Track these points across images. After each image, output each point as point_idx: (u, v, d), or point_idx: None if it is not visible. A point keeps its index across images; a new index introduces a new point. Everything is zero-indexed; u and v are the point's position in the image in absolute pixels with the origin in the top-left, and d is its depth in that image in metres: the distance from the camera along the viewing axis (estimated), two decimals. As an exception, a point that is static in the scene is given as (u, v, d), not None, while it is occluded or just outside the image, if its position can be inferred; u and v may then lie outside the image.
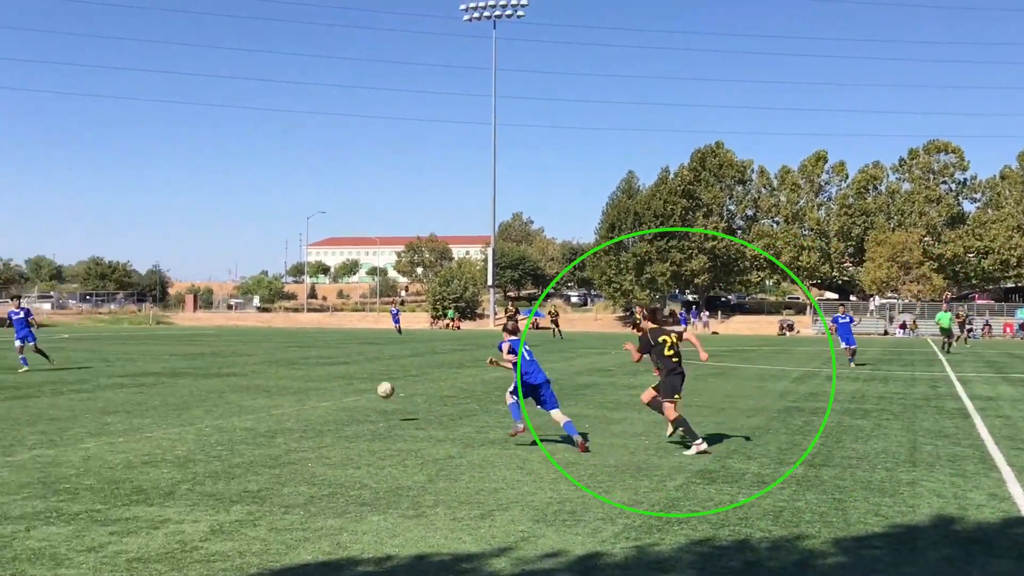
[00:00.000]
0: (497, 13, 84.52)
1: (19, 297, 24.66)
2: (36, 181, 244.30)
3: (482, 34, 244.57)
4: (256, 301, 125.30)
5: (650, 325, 11.74)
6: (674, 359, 11.53)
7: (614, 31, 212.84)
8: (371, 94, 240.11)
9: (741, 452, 11.37)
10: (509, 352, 11.40)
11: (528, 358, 11.46)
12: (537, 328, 60.27)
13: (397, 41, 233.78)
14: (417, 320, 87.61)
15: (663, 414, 11.76)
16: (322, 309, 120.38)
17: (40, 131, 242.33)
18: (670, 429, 12.03)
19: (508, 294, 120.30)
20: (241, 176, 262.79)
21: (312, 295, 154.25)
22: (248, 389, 18.68)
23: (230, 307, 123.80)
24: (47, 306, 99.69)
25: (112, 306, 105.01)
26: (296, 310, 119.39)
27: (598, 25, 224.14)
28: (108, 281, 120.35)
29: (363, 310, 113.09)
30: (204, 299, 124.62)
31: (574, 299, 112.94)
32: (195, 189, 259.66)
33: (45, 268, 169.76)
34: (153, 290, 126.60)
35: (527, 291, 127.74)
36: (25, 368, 22.84)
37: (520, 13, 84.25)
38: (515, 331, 11.68)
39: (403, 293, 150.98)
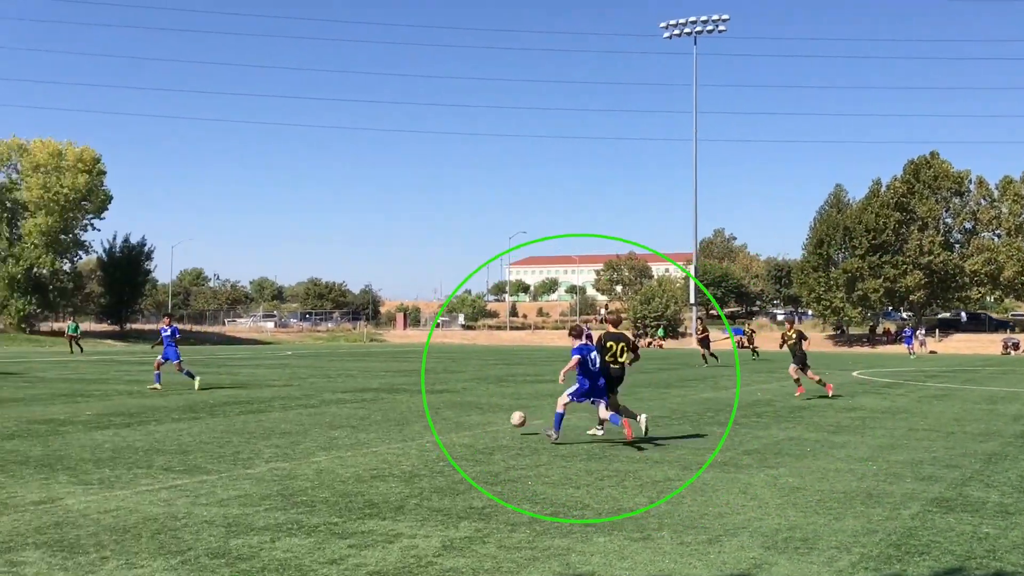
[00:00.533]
0: (698, 29, 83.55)
1: (169, 316, 24.06)
2: (259, 207, 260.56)
3: (681, 50, 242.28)
4: (461, 319, 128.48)
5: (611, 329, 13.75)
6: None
7: (817, 42, 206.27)
8: (569, 115, 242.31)
9: (978, 479, 10.68)
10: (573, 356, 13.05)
11: (594, 368, 12.96)
12: (743, 347, 58.52)
13: (596, 61, 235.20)
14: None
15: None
16: (524, 327, 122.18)
17: (263, 160, 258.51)
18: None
19: (710, 312, 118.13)
20: (445, 199, 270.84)
21: (513, 313, 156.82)
22: (462, 405, 19.05)
23: (437, 325, 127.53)
24: (270, 324, 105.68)
25: (329, 324, 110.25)
26: (499, 328, 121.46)
27: (800, 36, 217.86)
28: (325, 300, 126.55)
29: (563, 328, 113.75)
30: (412, 317, 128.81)
31: (780, 317, 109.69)
32: (402, 212, 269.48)
33: (268, 289, 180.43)
34: (366, 309, 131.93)
35: (729, 309, 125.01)
36: (156, 385, 22.87)
37: (721, 28, 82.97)
38: (579, 335, 13.41)
39: (603, 311, 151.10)
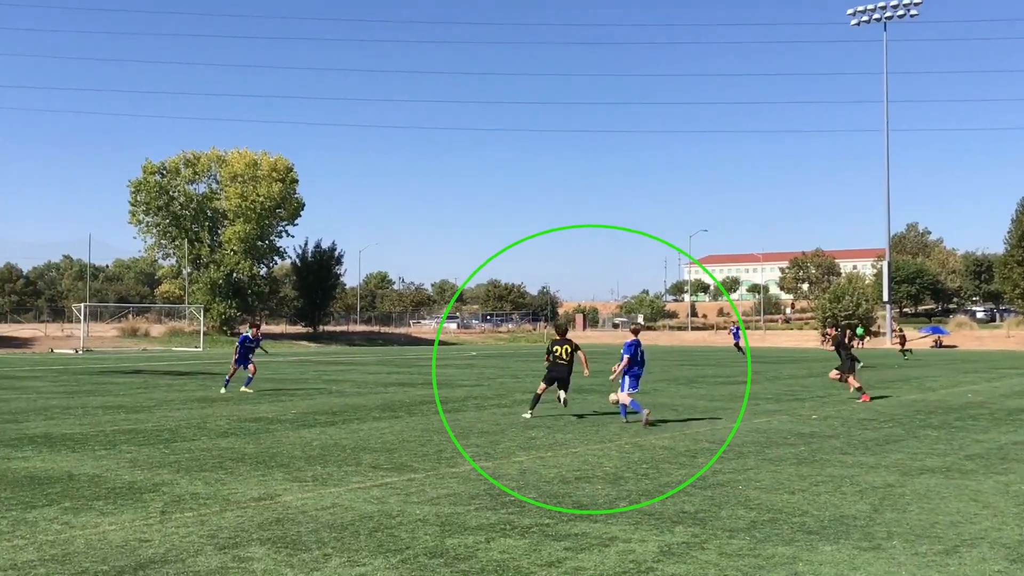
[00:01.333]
0: (888, 14, 79.85)
1: (253, 323, 23.82)
2: (438, 216, 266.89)
3: (870, 37, 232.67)
4: (640, 320, 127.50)
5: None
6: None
7: (1016, 23, 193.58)
8: (749, 108, 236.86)
9: None
10: (624, 353, 16.39)
11: (641, 360, 16.48)
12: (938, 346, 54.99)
13: (778, 52, 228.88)
14: (805, 339, 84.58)
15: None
16: (704, 327, 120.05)
17: (442, 168, 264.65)
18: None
19: (904, 310, 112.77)
20: (623, 201, 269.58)
21: (692, 313, 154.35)
22: (655, 407, 18.75)
23: (615, 325, 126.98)
24: (453, 326, 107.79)
25: (509, 325, 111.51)
26: (679, 328, 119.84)
27: (999, 18, 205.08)
28: (504, 302, 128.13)
29: (748, 328, 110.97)
30: (590, 318, 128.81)
31: (980, 315, 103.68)
32: (578, 212, 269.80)
33: (449, 291, 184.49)
34: (544, 310, 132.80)
35: (925, 307, 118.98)
36: (223, 390, 22.79)
37: (913, 12, 79.01)
38: (636, 332, 17.09)
39: (788, 311, 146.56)
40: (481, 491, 9.59)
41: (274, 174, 77.71)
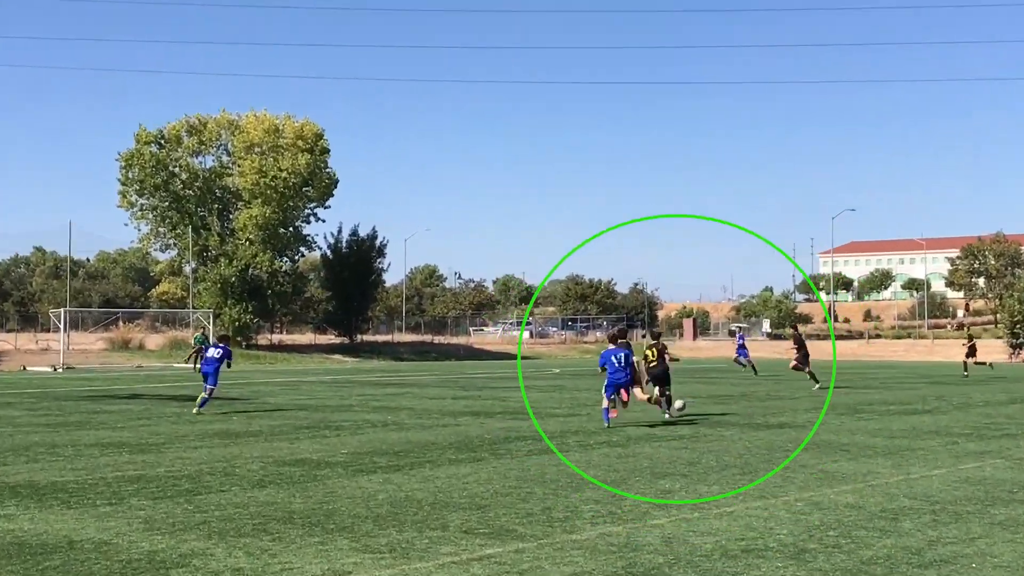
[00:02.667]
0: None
1: (226, 337, 28.04)
2: (501, 198, 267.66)
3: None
4: (765, 326, 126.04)
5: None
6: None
7: None
8: (904, 51, 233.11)
9: None
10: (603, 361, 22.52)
11: (617, 366, 21.95)
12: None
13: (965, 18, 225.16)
14: (986, 350, 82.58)
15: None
16: (850, 335, 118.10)
17: (502, 138, 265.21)
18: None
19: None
20: (744, 173, 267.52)
21: (832, 316, 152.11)
22: (818, 447, 18.05)
23: (732, 333, 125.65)
24: (525, 334, 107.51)
25: (597, 333, 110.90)
26: (817, 336, 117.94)
27: None
28: (588, 303, 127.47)
29: (907, 336, 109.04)
30: (701, 323, 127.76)
31: None
32: (678, 194, 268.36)
33: (514, 289, 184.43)
34: (640, 313, 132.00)
35: None
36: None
37: None
38: (614, 339, 23.00)
39: (961, 313, 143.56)
40: (620, 569, 9.01)
41: (300, 143, 78.24)
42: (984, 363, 52.13)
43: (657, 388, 23.68)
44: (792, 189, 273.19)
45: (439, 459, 16.44)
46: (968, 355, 49.54)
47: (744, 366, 50.50)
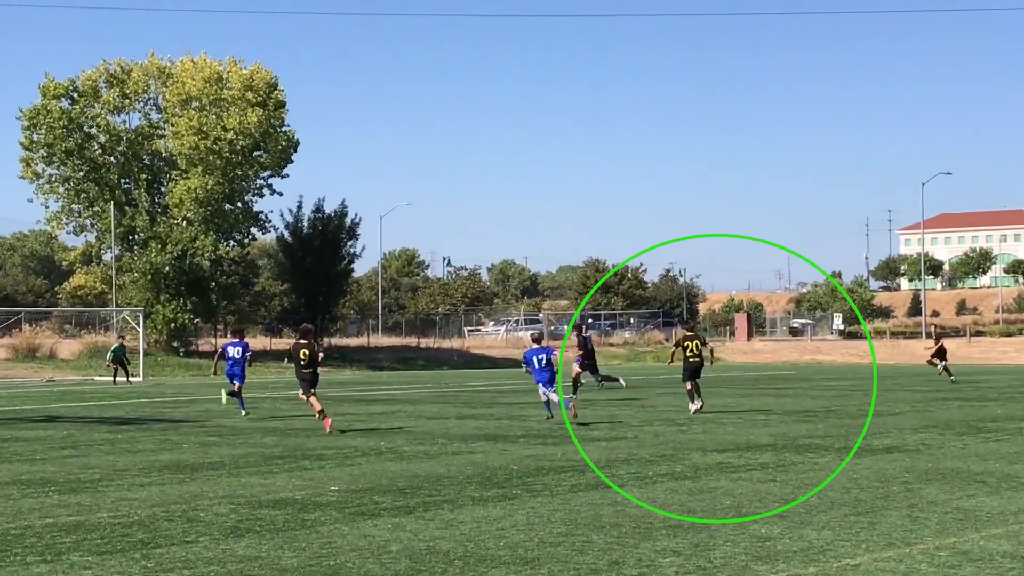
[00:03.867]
0: None
1: (240, 331, 35.02)
2: (505, 172, 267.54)
3: None
4: (837, 321, 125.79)
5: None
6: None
7: None
8: None
9: None
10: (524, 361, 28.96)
11: (539, 367, 27.97)
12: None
13: None
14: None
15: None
16: (944, 332, 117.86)
17: (493, 95, 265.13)
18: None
19: None
20: (802, 132, 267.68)
21: (914, 310, 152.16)
22: (947, 477, 17.75)
23: (793, 331, 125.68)
24: (528, 332, 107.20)
25: (625, 333, 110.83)
26: (903, 333, 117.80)
27: None
28: (612, 295, 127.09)
29: (1018, 334, 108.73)
30: (756, 319, 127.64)
31: None
32: (714, 154, 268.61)
33: (514, 278, 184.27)
34: (676, 307, 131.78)
35: None
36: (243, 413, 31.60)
37: None
38: (537, 341, 29.67)
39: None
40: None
41: (249, 95, 78.04)
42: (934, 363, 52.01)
43: (689, 382, 31.28)
44: (865, 150, 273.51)
45: (459, 497, 16.08)
46: (936, 356, 51.48)
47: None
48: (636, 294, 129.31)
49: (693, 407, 31.01)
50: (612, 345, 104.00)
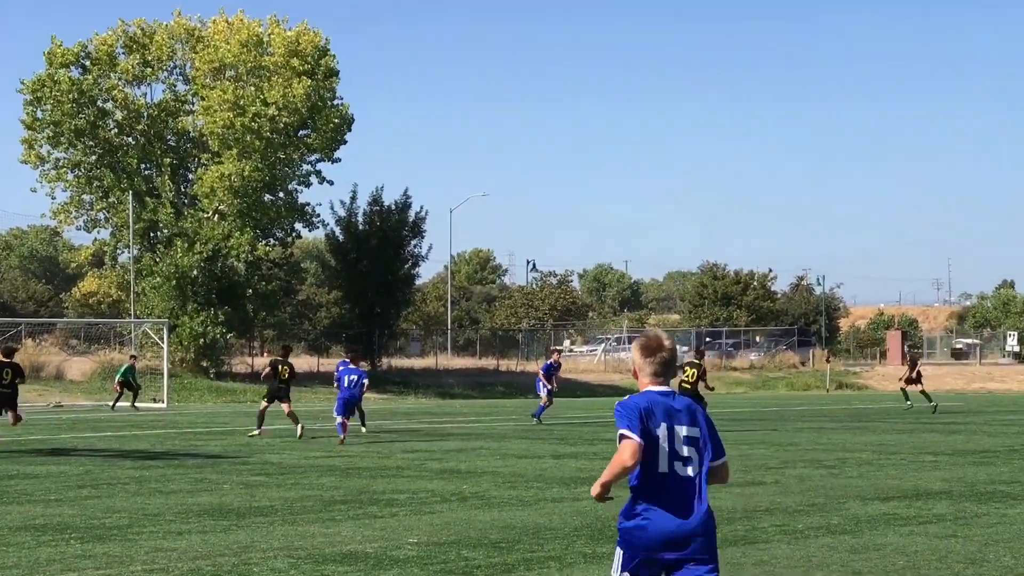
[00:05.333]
0: None
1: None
2: (598, 160, 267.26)
3: None
4: (1011, 341, 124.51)
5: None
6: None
7: None
8: None
9: None
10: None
11: (346, 385, 36.33)
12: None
13: None
14: None
15: None
16: (920, 354, 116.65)
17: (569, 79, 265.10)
18: None
19: None
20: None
21: None
22: None
23: (957, 353, 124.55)
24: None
25: (753, 356, 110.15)
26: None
27: None
28: (735, 308, 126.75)
29: None
30: (913, 338, 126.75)
31: None
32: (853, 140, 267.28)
33: (612, 287, 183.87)
34: (813, 323, 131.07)
35: None
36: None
37: None
38: (355, 360, 38.85)
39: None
40: None
41: (295, 63, 78.29)
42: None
43: None
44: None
45: (567, 554, 16.02)
46: (910, 381, 55.60)
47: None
48: (764, 307, 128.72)
49: None
50: (735, 369, 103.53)
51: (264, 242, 79.83)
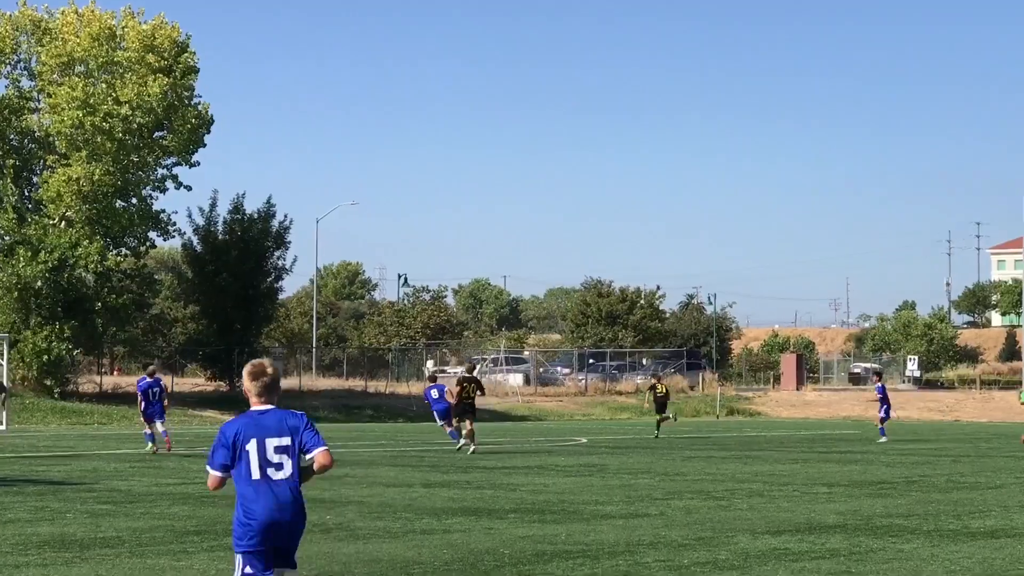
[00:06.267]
0: None
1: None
2: (475, 166, 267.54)
3: None
4: (912, 366, 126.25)
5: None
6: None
7: None
8: None
9: None
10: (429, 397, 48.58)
11: (436, 396, 47.14)
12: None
13: None
14: None
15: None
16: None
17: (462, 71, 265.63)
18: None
19: None
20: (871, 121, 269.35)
21: (1010, 352, 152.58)
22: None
23: (855, 377, 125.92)
24: (518, 379, 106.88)
25: (637, 378, 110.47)
26: (996, 383, 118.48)
27: None
28: (620, 328, 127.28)
29: None
30: (809, 361, 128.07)
31: None
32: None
33: (490, 303, 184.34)
34: (703, 344, 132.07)
35: None
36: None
37: None
38: (433, 379, 52.65)
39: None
40: None
41: (151, 58, 77.77)
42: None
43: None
44: (947, 150, 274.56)
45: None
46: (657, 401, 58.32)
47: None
48: (651, 327, 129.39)
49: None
50: (620, 393, 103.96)
51: (115, 252, 79.00)
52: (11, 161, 78.81)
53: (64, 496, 27.89)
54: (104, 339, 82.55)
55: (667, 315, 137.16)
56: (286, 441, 11.04)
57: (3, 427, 60.24)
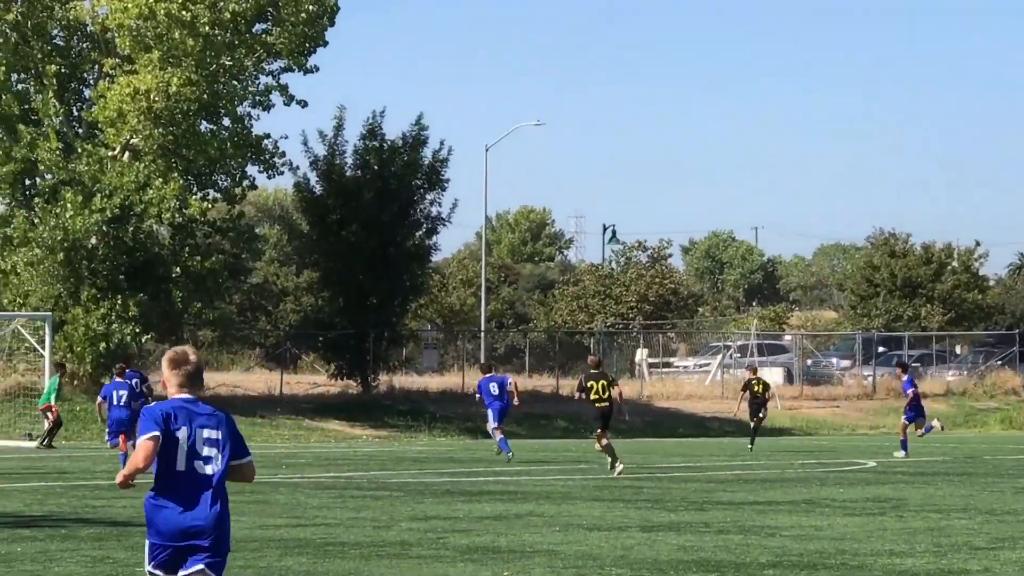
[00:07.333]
0: None
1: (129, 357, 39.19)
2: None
3: None
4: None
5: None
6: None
7: None
8: None
9: None
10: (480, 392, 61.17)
11: (495, 392, 59.21)
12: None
13: None
14: None
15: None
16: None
17: None
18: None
19: None
20: None
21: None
22: None
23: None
24: (774, 376, 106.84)
25: (950, 374, 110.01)
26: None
27: None
28: (923, 299, 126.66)
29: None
30: None
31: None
32: None
33: (736, 266, 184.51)
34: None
35: None
36: None
37: None
38: (487, 370, 63.09)
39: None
40: None
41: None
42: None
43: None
44: None
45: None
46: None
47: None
48: (968, 300, 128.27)
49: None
50: (924, 395, 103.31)
51: (200, 195, 79.38)
52: (53, 67, 78.98)
53: (132, 542, 28.12)
54: (185, 319, 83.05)
55: (991, 283, 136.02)
56: (216, 434, 12.89)
57: (33, 443, 61.17)
